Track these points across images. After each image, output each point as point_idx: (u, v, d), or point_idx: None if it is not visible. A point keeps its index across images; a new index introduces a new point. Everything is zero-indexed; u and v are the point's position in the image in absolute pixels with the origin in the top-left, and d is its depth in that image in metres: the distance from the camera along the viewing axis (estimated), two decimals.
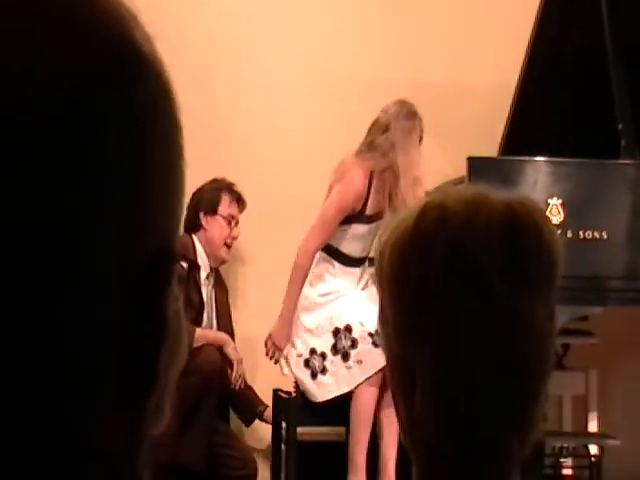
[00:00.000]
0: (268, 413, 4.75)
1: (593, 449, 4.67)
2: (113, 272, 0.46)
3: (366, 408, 4.13)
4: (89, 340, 0.45)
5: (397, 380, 1.12)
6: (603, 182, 4.16)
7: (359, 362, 4.25)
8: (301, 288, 4.38)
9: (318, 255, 4.43)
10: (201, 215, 4.83)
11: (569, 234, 4.03)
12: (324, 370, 4.32)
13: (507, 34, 5.27)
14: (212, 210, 4.84)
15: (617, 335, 5.12)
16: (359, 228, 4.43)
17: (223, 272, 5.03)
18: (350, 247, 4.46)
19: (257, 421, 4.89)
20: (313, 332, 4.37)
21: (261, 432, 5.03)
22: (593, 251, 4.06)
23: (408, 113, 4.40)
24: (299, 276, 4.37)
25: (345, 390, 4.27)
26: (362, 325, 4.29)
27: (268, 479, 4.76)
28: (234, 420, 4.96)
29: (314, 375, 4.33)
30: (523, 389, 1.07)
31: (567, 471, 4.77)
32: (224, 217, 4.85)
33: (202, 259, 4.80)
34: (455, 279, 1.06)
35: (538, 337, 1.08)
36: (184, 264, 4.54)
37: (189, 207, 4.76)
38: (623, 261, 4.11)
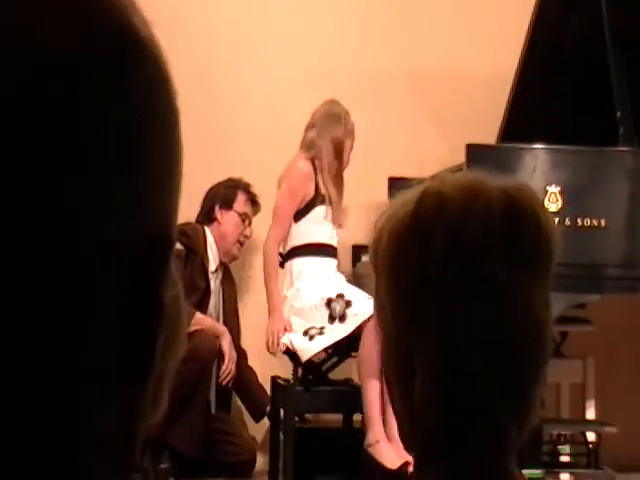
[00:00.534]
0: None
1: (591, 436, 4.68)
2: (109, 258, 0.46)
3: (370, 354, 4.10)
4: (87, 331, 0.45)
5: (394, 363, 1.12)
6: (601, 170, 4.16)
7: (356, 315, 4.29)
8: (276, 280, 4.50)
9: (295, 261, 4.51)
10: (216, 208, 4.87)
11: (567, 221, 4.02)
12: (322, 333, 4.35)
13: (506, 23, 5.26)
14: (228, 205, 4.88)
15: (615, 323, 5.13)
16: (319, 210, 4.53)
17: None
18: (319, 234, 4.55)
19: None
20: (308, 314, 4.38)
21: None
22: (591, 238, 4.06)
23: (330, 104, 4.64)
24: (269, 272, 4.53)
25: (345, 333, 4.29)
26: (354, 291, 4.39)
27: (266, 465, 4.78)
28: (233, 407, 4.97)
29: (311, 338, 4.35)
30: (522, 374, 1.07)
31: (565, 458, 4.78)
32: (239, 214, 4.90)
33: (212, 250, 4.82)
34: (455, 265, 1.06)
35: (537, 322, 1.08)
36: (179, 246, 4.54)
37: (205, 200, 4.83)
38: (621, 249, 4.10)
